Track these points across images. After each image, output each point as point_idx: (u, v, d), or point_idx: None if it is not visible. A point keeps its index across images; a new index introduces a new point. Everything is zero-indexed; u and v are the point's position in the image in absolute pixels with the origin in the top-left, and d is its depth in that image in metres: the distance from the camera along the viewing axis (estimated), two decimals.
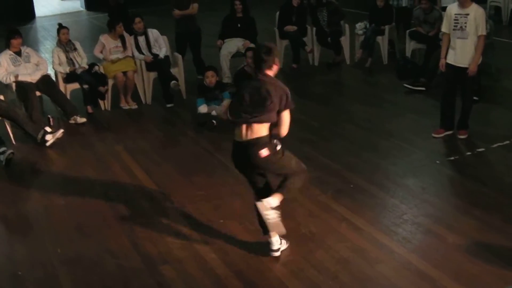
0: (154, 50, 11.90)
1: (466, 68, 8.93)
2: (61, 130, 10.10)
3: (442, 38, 9.49)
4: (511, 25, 16.77)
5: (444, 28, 9.22)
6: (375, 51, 13.47)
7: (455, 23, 8.91)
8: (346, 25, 13.85)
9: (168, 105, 11.68)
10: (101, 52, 11.68)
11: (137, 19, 11.86)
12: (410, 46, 13.02)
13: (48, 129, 10.10)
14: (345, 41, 13.75)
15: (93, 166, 9.24)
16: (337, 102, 11.60)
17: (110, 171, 8.99)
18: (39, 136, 9.96)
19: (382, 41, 13.51)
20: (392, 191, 7.76)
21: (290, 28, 13.51)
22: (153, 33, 12.02)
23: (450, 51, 9.08)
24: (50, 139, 9.97)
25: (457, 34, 8.93)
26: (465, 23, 8.81)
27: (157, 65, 11.73)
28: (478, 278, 5.89)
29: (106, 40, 11.72)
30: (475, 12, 8.80)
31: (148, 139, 10.17)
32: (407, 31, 13.23)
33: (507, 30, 16.26)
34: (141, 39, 11.88)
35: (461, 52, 8.93)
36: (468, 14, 8.80)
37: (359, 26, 13.89)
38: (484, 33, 8.84)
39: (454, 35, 8.99)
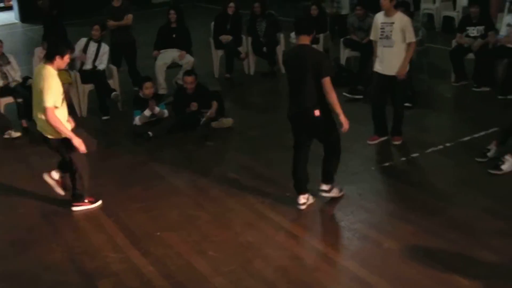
0: (97, 63, 11.79)
1: (393, 77, 9.05)
2: None
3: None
4: (443, 32, 17.08)
5: (372, 37, 9.36)
6: None
7: (381, 31, 9.03)
8: (281, 35, 13.91)
9: (104, 118, 11.58)
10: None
11: (96, 27, 11.76)
12: (345, 53, 13.15)
13: None
14: (280, 50, 13.81)
15: (29, 180, 9.08)
16: (274, 111, 11.62)
17: (46, 185, 8.84)
18: None
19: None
20: (327, 198, 7.79)
21: (225, 38, 13.53)
22: (104, 47, 11.88)
23: (377, 60, 9.18)
24: None
25: (383, 42, 9.04)
26: (391, 31, 8.92)
27: (95, 77, 11.61)
28: (416, 283, 5.97)
29: (42, 53, 11.56)
30: (400, 21, 8.91)
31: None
32: (341, 39, 13.37)
33: (440, 37, 16.54)
34: (92, 48, 11.76)
35: (388, 61, 9.04)
36: (393, 23, 8.91)
37: (293, 35, 13.95)
38: (413, 40, 8.97)
39: (380, 43, 9.10)
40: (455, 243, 6.58)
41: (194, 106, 10.25)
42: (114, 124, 11.38)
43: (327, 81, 7.02)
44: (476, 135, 9.56)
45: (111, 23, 12.74)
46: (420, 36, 11.60)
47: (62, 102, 7.51)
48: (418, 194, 7.84)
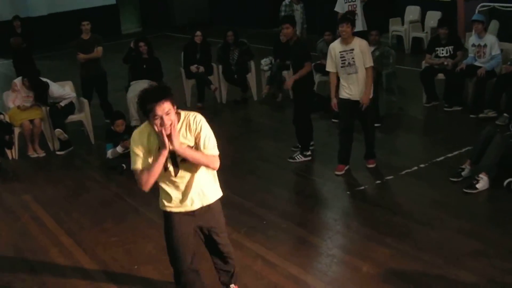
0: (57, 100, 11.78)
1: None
2: None
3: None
4: (412, 53, 17.25)
5: (329, 68, 9.25)
6: (282, 86, 13.60)
7: (342, 60, 9.00)
8: (252, 62, 13.95)
9: (59, 153, 11.58)
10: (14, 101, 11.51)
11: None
12: (316, 78, 13.19)
13: None
14: (251, 77, 13.87)
15: (1, 217, 9.00)
16: (246, 139, 11.65)
17: (19, 222, 8.77)
18: None
19: (288, 76, 13.61)
20: (305, 224, 7.81)
21: (196, 69, 13.54)
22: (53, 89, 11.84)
23: (343, 88, 9.12)
24: None
25: (347, 70, 9.00)
26: (352, 58, 8.93)
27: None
28: None
29: (20, 87, 11.53)
30: (359, 46, 8.94)
31: (57, 187, 9.96)
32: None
33: (409, 58, 16.70)
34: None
35: (355, 86, 9.03)
36: (353, 49, 8.93)
37: (265, 62, 14.04)
38: (371, 64, 9.00)
39: (344, 71, 9.03)
40: (433, 264, 6.60)
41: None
42: (86, 158, 11.31)
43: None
44: (449, 155, 9.63)
45: (81, 56, 12.71)
46: (390, 60, 11.70)
47: None
48: (393, 217, 7.86)
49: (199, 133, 5.27)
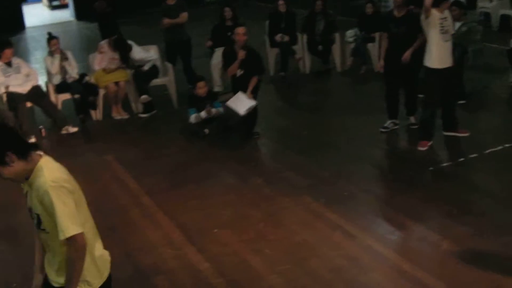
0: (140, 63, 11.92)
1: (449, 68, 8.91)
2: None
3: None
4: (500, 31, 16.80)
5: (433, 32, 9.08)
6: (367, 58, 13.47)
7: (441, 27, 8.81)
8: (337, 34, 13.82)
9: (143, 115, 11.74)
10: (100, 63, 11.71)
11: None
12: None
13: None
14: (335, 49, 13.76)
15: (84, 176, 9.04)
16: (327, 110, 11.58)
17: (101, 181, 8.94)
18: None
19: (373, 48, 13.47)
20: (384, 198, 7.74)
21: (280, 38, 13.48)
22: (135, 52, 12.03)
23: (435, 56, 8.94)
24: None
25: (445, 37, 8.84)
26: (449, 25, 8.80)
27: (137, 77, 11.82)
28: (473, 286, 5.87)
29: (105, 49, 11.73)
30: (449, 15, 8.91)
31: (139, 149, 10.13)
32: None
33: (496, 36, 16.29)
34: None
35: (447, 54, 8.86)
36: (446, 17, 8.78)
37: (349, 33, 13.88)
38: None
39: (442, 38, 8.86)
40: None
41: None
42: (169, 121, 11.44)
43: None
44: None
45: (166, 21, 12.77)
46: (478, 36, 11.42)
47: None
48: (475, 195, 7.73)
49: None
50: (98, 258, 4.06)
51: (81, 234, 3.77)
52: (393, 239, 6.80)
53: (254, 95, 9.97)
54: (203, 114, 10.16)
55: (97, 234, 4.20)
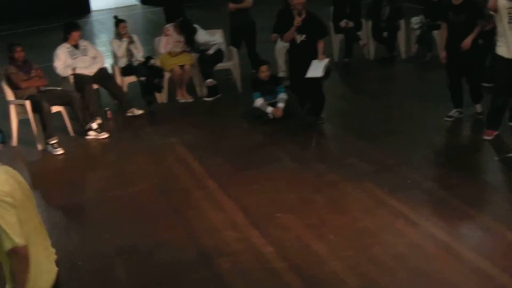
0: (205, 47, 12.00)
1: None
2: (106, 135, 10.23)
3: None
4: None
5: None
6: (432, 45, 13.30)
7: (509, 17, 8.63)
8: (402, 20, 13.70)
9: (207, 99, 11.82)
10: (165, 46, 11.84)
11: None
12: None
13: (95, 125, 10.26)
14: (401, 35, 13.63)
15: (149, 157, 9.33)
16: (391, 97, 11.49)
17: (165, 163, 9.07)
18: (86, 127, 10.22)
19: (439, 36, 13.26)
20: (448, 186, 7.64)
21: (345, 24, 13.40)
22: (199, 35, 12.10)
23: (504, 45, 8.71)
24: (91, 135, 10.18)
25: (510, 26, 8.66)
26: None
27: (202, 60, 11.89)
28: None
29: (171, 32, 11.87)
30: None
31: (203, 132, 10.23)
32: None
33: None
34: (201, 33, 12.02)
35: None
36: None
37: (415, 20, 13.71)
38: None
39: (510, 28, 8.65)
40: None
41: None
42: (232, 105, 11.52)
43: None
44: None
45: (231, 6, 12.80)
46: None
47: None
48: None
49: None
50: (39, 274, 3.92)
51: (23, 247, 3.69)
52: (457, 228, 6.74)
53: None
54: (269, 109, 10.17)
55: (48, 250, 4.11)
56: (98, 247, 6.93)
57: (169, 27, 12.09)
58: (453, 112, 9.68)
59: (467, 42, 9.17)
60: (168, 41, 11.87)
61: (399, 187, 7.66)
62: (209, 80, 11.61)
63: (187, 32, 11.85)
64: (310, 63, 9.75)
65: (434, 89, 11.07)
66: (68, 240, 7.21)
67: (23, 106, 9.89)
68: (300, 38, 9.78)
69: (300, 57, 9.84)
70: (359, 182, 7.85)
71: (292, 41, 9.92)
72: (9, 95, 10.15)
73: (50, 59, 11.05)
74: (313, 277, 5.98)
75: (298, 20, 9.64)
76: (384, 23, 13.47)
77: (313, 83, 9.78)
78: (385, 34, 13.46)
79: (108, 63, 11.98)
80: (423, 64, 13.15)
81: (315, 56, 9.84)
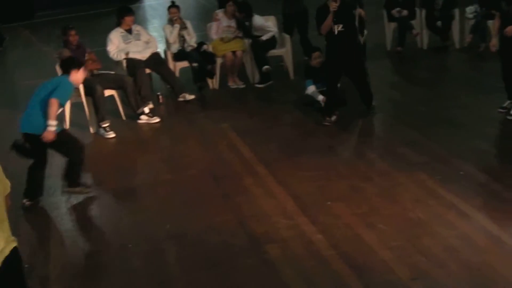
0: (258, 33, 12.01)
1: None
2: (158, 120, 10.32)
3: None
4: None
5: None
6: (487, 35, 13.12)
7: None
8: (456, 9, 13.53)
9: (259, 85, 11.82)
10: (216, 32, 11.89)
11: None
12: None
13: (147, 110, 10.36)
14: (455, 25, 13.46)
15: (200, 143, 9.39)
16: (444, 86, 11.36)
17: (217, 148, 9.12)
18: (138, 111, 10.31)
19: (493, 26, 13.08)
20: (502, 179, 7.51)
21: (398, 12, 13.28)
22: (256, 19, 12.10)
23: None
24: (143, 120, 10.28)
25: None
26: None
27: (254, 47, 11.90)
28: None
29: (221, 17, 11.91)
30: None
31: (254, 118, 10.26)
32: None
33: None
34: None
35: None
36: None
37: (470, 10, 13.53)
38: None
39: None
40: None
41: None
42: (284, 92, 11.51)
43: None
44: None
45: None
46: None
47: None
48: None
49: None
50: None
51: None
52: (509, 221, 6.65)
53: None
54: (320, 98, 10.12)
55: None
56: (149, 230, 7.01)
57: (219, 12, 12.16)
58: (507, 104, 9.55)
59: (510, 29, 9.02)
60: (219, 26, 11.92)
61: (451, 178, 7.57)
62: (266, 66, 11.62)
63: (246, 12, 11.89)
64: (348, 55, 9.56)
65: (487, 79, 10.92)
66: (119, 222, 7.33)
67: (76, 89, 10.01)
68: (337, 28, 9.45)
69: (339, 49, 9.54)
70: (410, 172, 7.79)
71: (330, 33, 9.54)
72: None
73: (102, 43, 11.18)
74: (362, 266, 5.96)
75: (334, 5, 9.23)
76: (438, 12, 13.33)
77: (356, 74, 9.74)
78: (439, 23, 13.31)
79: (160, 48, 12.06)
80: (477, 54, 12.97)
81: (354, 47, 9.67)
